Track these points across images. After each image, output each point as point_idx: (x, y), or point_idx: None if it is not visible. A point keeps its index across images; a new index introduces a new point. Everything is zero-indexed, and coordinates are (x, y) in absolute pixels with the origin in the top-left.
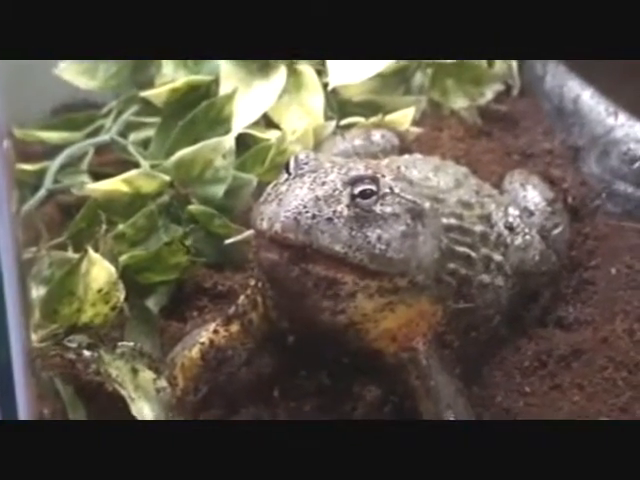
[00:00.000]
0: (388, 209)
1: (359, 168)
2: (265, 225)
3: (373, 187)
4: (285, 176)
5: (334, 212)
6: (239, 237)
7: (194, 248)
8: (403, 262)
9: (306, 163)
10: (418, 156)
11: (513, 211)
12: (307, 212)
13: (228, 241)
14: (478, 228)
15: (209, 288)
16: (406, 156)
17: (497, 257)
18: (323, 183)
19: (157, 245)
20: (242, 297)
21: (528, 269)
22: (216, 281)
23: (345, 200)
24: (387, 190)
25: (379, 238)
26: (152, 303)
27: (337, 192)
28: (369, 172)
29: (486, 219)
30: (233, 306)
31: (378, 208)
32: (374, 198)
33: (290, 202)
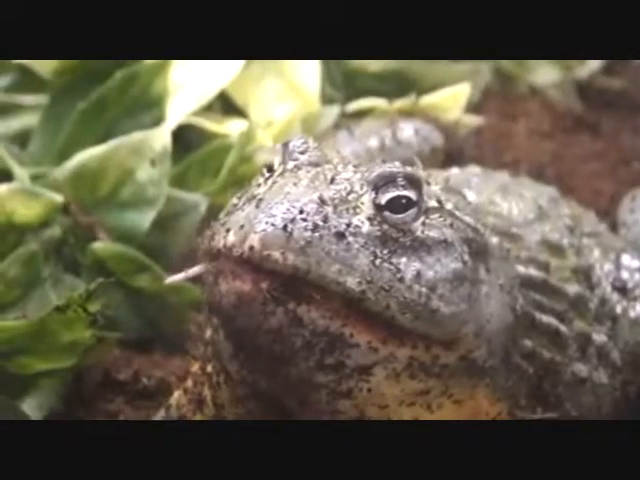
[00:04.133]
0: (434, 233)
1: (390, 164)
2: (233, 238)
3: (412, 194)
4: (265, 176)
5: (348, 225)
6: (185, 274)
7: (103, 316)
8: (455, 320)
9: (303, 152)
10: (474, 170)
11: (630, 261)
12: (305, 220)
13: (170, 280)
14: (572, 288)
15: (127, 382)
16: (454, 170)
17: (599, 337)
18: (332, 180)
19: (41, 310)
20: (177, 394)
21: None
22: (138, 370)
23: (367, 209)
24: (434, 203)
25: (418, 275)
26: (32, 407)
27: (354, 196)
28: (406, 169)
29: (584, 274)
30: (162, 410)
31: (419, 228)
32: (413, 212)
33: (278, 203)
